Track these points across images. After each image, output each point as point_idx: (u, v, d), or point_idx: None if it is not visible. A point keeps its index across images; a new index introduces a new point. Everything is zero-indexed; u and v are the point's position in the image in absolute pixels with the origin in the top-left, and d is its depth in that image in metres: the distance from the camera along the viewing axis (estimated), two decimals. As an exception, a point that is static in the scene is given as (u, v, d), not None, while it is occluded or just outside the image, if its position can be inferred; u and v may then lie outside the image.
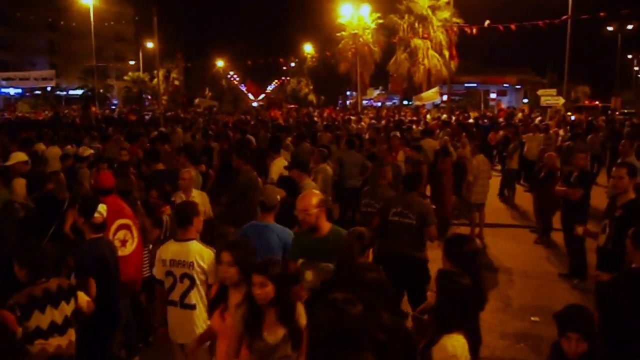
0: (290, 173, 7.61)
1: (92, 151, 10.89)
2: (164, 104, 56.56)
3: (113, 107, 59.12)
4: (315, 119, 28.54)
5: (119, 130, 17.38)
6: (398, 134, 13.81)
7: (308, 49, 60.55)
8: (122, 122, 27.93)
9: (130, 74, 66.21)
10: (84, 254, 4.97)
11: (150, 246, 6.18)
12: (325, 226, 4.72)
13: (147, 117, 35.64)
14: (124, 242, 5.60)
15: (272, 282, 3.57)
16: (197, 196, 7.32)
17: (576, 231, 6.49)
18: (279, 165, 8.93)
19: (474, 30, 31.24)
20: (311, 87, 66.81)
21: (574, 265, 8.85)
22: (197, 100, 58.32)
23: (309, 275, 4.60)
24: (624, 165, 6.07)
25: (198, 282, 4.59)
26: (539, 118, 27.09)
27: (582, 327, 3.44)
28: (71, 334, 4.37)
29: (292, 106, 52.37)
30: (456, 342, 3.30)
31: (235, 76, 71.55)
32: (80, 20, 53.71)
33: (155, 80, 48.60)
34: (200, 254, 4.60)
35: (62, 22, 60.44)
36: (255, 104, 69.09)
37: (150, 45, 48.47)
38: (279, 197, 5.59)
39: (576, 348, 3.43)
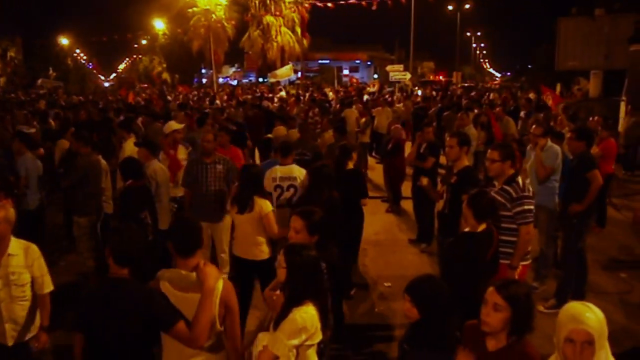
0: (138, 152, 7.36)
1: None
2: (1, 85, 52.05)
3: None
4: (169, 97, 27.66)
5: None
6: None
7: (159, 25, 58.11)
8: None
9: (-40, 54, 59.90)
10: None
11: None
12: None
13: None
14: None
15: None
16: (18, 250, 4.19)
17: (420, 182, 6.76)
18: (131, 146, 8.56)
19: (327, 6, 31.72)
20: (164, 66, 64.50)
21: (421, 230, 9.41)
22: (39, 81, 53.95)
23: None
24: (456, 135, 6.46)
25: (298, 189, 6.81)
26: (388, 94, 28.26)
27: (412, 291, 3.39)
28: None
29: (145, 85, 50.28)
30: (305, 314, 3.32)
31: (82, 54, 67.17)
32: None
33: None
34: (299, 171, 6.94)
35: None
36: (106, 84, 65.61)
37: (-19, 21, 44.05)
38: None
39: (408, 310, 3.40)
